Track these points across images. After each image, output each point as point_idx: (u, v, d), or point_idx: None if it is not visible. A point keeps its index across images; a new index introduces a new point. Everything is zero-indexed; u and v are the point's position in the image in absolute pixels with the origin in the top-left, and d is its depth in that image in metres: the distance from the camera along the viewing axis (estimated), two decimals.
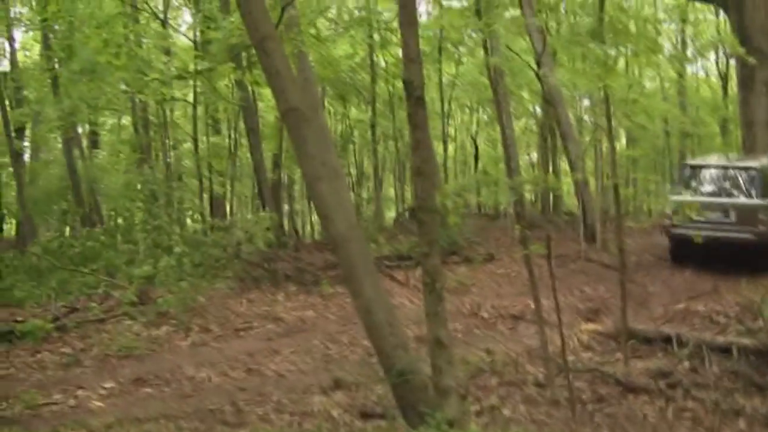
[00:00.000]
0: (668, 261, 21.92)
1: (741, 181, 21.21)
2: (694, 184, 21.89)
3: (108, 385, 12.61)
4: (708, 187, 21.68)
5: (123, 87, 27.72)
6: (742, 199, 20.85)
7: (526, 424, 9.98)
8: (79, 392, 12.24)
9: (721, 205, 20.73)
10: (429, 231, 8.35)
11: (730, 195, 21.21)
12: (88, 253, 21.44)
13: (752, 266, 19.07)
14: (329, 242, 9.07)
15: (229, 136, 35.66)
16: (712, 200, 20.74)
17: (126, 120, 38.93)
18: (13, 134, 30.17)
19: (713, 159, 24.67)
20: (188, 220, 30.20)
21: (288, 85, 8.77)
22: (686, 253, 20.80)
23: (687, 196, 21.14)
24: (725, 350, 11.88)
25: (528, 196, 36.02)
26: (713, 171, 22.20)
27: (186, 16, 38.13)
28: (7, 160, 33.26)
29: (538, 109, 41.26)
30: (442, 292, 8.37)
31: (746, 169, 21.38)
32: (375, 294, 8.60)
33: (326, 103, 39.09)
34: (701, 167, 22.63)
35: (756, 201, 20.48)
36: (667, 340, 12.84)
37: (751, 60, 21.98)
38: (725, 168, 22.15)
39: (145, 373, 13.33)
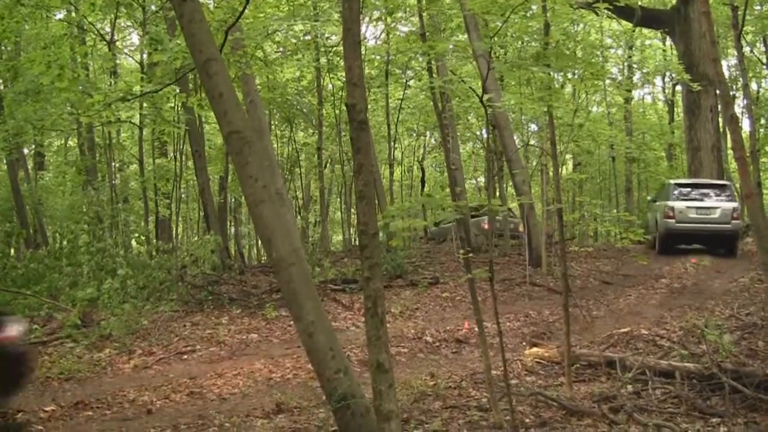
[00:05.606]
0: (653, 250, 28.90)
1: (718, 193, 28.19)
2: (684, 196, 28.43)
3: (49, 408, 12.43)
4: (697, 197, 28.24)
5: (69, 108, 27.57)
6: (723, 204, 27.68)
7: None
8: (20, 415, 12.06)
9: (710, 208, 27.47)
10: (371, 255, 8.29)
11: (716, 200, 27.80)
12: (32, 275, 21.27)
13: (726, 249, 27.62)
14: (272, 266, 8.98)
15: (175, 158, 35.48)
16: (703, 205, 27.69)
17: (72, 141, 38.72)
18: None
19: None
20: (133, 243, 30.04)
21: (231, 107, 8.70)
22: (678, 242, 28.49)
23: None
24: (668, 374, 11.90)
25: None
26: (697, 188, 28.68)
27: (134, 38, 38.08)
28: None
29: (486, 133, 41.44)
30: (384, 317, 8.33)
31: (721, 185, 28.60)
32: (316, 318, 8.54)
33: (272, 126, 39.05)
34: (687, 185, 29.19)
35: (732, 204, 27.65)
36: (611, 364, 12.86)
37: (697, 86, 22.27)
38: (705, 186, 28.76)
39: (87, 396, 13.18)
